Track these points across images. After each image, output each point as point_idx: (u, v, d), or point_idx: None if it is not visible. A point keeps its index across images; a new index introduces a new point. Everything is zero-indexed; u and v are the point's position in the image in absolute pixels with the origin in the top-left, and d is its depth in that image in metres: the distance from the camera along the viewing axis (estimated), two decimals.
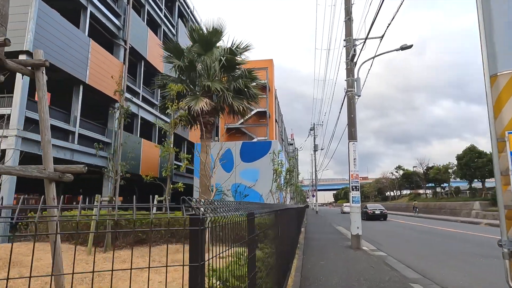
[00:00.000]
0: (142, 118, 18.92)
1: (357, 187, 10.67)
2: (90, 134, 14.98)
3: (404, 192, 65.17)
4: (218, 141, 35.27)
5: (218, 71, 12.70)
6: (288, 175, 10.93)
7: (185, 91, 12.39)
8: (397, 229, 19.40)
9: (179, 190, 9.53)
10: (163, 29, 21.89)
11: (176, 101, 10.41)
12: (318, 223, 24.77)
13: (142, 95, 19.04)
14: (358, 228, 10.30)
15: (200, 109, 11.63)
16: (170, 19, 23.74)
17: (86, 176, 18.55)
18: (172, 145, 10.34)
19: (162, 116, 20.94)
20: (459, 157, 34.34)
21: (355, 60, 11.34)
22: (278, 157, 10.69)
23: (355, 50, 10.68)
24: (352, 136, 10.95)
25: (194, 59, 12.40)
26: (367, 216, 28.04)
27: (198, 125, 13.28)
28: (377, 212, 28.31)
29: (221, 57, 12.21)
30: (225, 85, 12.46)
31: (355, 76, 11.29)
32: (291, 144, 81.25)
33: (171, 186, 9.60)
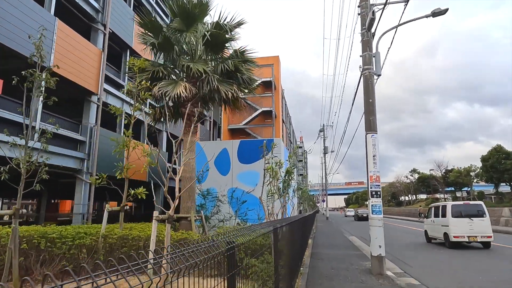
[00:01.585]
0: (127, 114, 16.67)
1: (378, 193, 8.16)
2: (59, 131, 12.79)
3: (420, 196, 61.74)
4: (221, 140, 32.99)
5: (202, 50, 10.40)
6: (287, 177, 8.49)
7: (161, 74, 10.11)
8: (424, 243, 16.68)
9: (139, 197, 7.21)
10: (154, 16, 19.76)
11: (140, 81, 8.14)
12: (328, 232, 22.15)
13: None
14: (380, 247, 7.77)
15: (177, 95, 9.32)
16: (163, 7, 21.64)
17: (61, 180, 16.44)
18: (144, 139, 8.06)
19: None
20: (484, 159, 31.24)
21: (373, 30, 8.89)
22: (272, 154, 8.28)
23: (373, 14, 8.22)
24: (370, 127, 8.46)
25: (171, 35, 10.12)
26: (357, 218, 41.29)
27: (185, 119, 10.94)
28: (365, 215, 37.61)
29: (205, 32, 9.90)
30: (211, 66, 10.14)
31: (374, 50, 8.83)
32: (300, 147, 78.56)
33: (131, 192, 7.28)
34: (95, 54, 14.41)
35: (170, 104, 11.61)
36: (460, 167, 40.70)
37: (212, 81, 9.64)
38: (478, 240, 12.63)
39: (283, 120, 43.27)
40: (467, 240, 12.59)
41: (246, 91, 11.51)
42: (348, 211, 60.85)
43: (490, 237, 12.63)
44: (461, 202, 15.19)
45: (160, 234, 7.62)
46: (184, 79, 10.16)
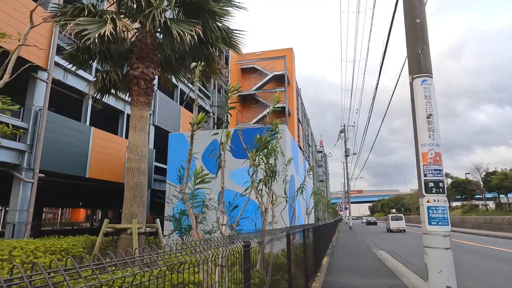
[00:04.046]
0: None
1: (440, 185, 4.36)
2: None
3: (455, 204, 55.68)
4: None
5: None
6: (270, 163, 4.86)
7: (87, 12, 6.75)
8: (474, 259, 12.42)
9: None
10: None
11: None
12: (350, 245, 18.04)
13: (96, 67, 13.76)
14: None
15: (101, 35, 5.90)
16: None
17: None
18: None
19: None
20: None
21: None
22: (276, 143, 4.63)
23: None
24: (419, 66, 4.71)
25: None
26: (367, 223, 59.31)
27: (135, 86, 7.46)
28: (372, 221, 59.10)
29: None
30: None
31: None
32: (320, 152, 74.10)
33: None
34: (40, 17, 11.34)
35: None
36: (505, 169, 35.25)
37: (157, 16, 6.16)
38: (400, 229, 31.76)
39: (298, 120, 39.41)
40: (396, 229, 31.81)
41: (225, 47, 7.96)
42: (363, 218, 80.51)
43: (404, 228, 32.09)
44: (393, 214, 36.57)
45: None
46: (120, 17, 6.73)
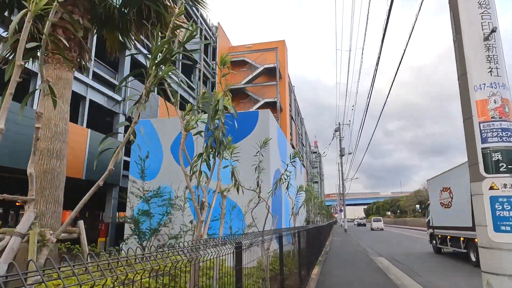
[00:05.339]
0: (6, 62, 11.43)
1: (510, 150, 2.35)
2: None
3: None
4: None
5: None
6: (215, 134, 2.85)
7: None
8: None
9: None
10: None
11: None
12: (346, 250, 16.08)
13: None
14: None
15: None
16: None
17: None
18: None
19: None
20: None
21: None
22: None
23: None
24: None
25: None
26: (358, 225, 72.04)
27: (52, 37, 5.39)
28: (362, 223, 73.44)
29: None
30: None
31: None
32: (315, 152, 72.24)
33: None
34: None
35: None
36: None
37: None
38: (379, 228, 45.43)
39: (291, 116, 37.49)
40: (377, 228, 45.54)
41: None
42: (355, 221, 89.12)
43: (382, 228, 46.09)
44: (375, 217, 53.39)
45: None
46: None
